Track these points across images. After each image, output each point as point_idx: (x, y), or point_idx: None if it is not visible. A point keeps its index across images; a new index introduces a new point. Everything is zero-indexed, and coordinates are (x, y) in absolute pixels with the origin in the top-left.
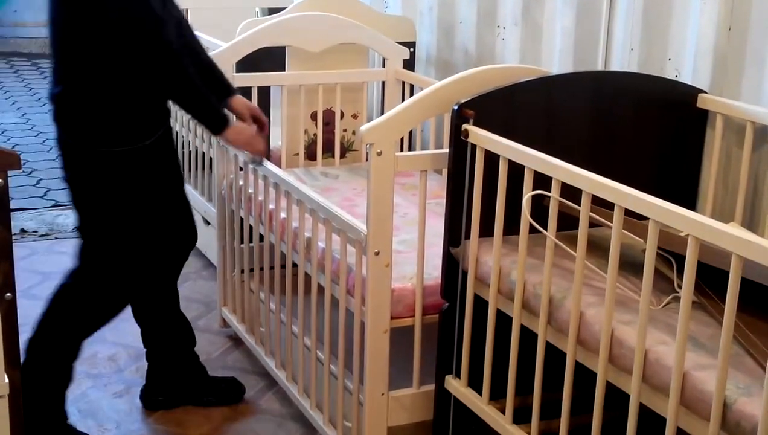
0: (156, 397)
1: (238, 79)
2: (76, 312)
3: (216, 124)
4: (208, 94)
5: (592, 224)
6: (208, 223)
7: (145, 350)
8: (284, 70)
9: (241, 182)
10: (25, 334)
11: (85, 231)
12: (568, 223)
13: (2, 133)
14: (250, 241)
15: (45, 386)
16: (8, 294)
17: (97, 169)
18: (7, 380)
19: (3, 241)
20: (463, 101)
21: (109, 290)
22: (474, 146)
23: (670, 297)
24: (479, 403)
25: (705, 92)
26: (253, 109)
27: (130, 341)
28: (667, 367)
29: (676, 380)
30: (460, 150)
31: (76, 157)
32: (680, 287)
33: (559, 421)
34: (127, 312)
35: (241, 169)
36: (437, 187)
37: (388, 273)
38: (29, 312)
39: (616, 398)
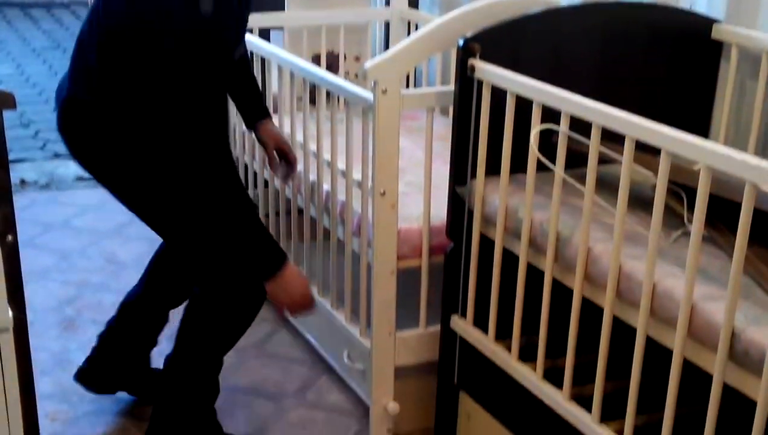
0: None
1: None
2: (213, 330)
3: (268, 267)
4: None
5: (602, 161)
6: None
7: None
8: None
9: (243, 127)
10: (30, 284)
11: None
12: (576, 161)
13: None
14: (255, 186)
15: (195, 400)
16: (9, 236)
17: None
18: (11, 314)
19: (2, 183)
20: (469, 35)
21: (236, 301)
22: (480, 82)
23: (679, 232)
24: (485, 342)
25: (720, 22)
26: (280, 142)
27: None
28: (675, 300)
29: (684, 311)
30: (466, 86)
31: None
32: (690, 222)
33: (565, 358)
34: None
35: None
36: (443, 129)
37: (394, 214)
38: (33, 262)
39: (624, 335)
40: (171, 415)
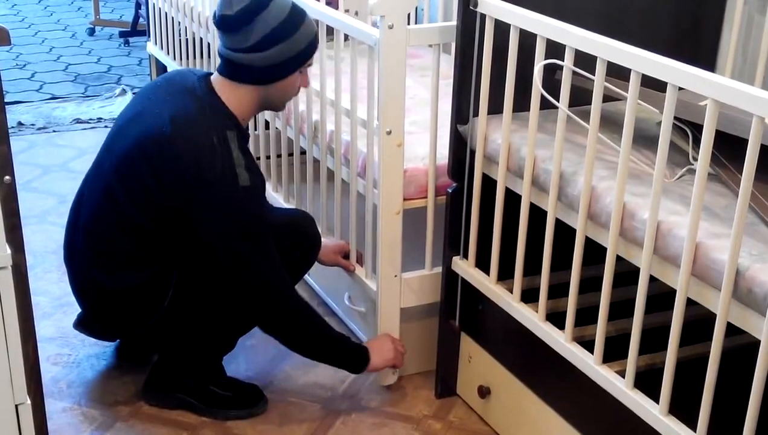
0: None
1: None
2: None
3: (350, 366)
4: (333, 334)
5: (606, 99)
6: None
7: None
8: None
9: None
10: (29, 227)
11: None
12: (580, 98)
13: None
14: (255, 128)
15: (206, 352)
16: (7, 177)
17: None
18: (9, 252)
19: None
20: None
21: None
22: (483, 16)
23: (684, 169)
24: (487, 283)
25: None
26: (341, 248)
27: None
28: (679, 238)
29: (688, 250)
30: (469, 21)
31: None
32: (695, 159)
33: (567, 299)
34: None
35: None
36: (446, 67)
37: (400, 153)
38: (32, 205)
39: (628, 277)
40: (178, 362)
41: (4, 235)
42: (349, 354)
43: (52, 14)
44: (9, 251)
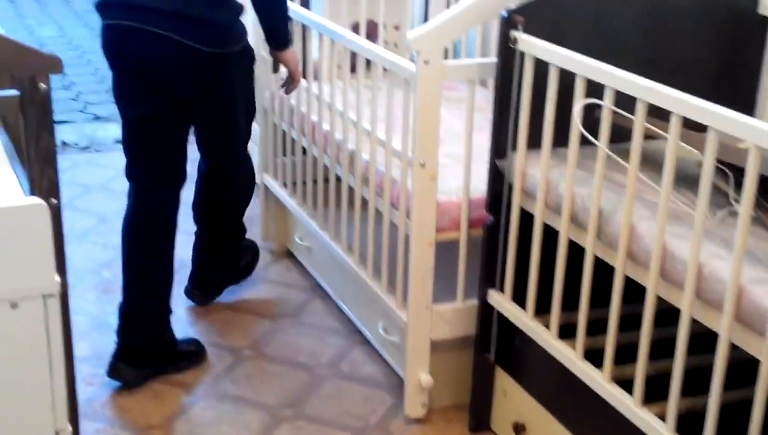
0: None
1: None
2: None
3: (285, 40)
4: None
5: (646, 137)
6: None
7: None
8: None
9: (282, 93)
10: (69, 246)
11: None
12: (620, 136)
13: (41, 46)
14: (293, 153)
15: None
16: (54, 200)
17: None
18: (58, 279)
19: (47, 147)
20: (512, 7)
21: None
22: (522, 54)
23: (725, 210)
24: (524, 318)
25: None
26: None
27: None
28: (721, 282)
29: (731, 294)
30: (508, 58)
31: (221, 64)
32: (736, 201)
33: (605, 337)
34: None
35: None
36: (482, 100)
37: (433, 185)
38: (72, 223)
39: (669, 317)
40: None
41: (54, 263)
42: (287, 27)
43: (98, 36)
44: (58, 279)
